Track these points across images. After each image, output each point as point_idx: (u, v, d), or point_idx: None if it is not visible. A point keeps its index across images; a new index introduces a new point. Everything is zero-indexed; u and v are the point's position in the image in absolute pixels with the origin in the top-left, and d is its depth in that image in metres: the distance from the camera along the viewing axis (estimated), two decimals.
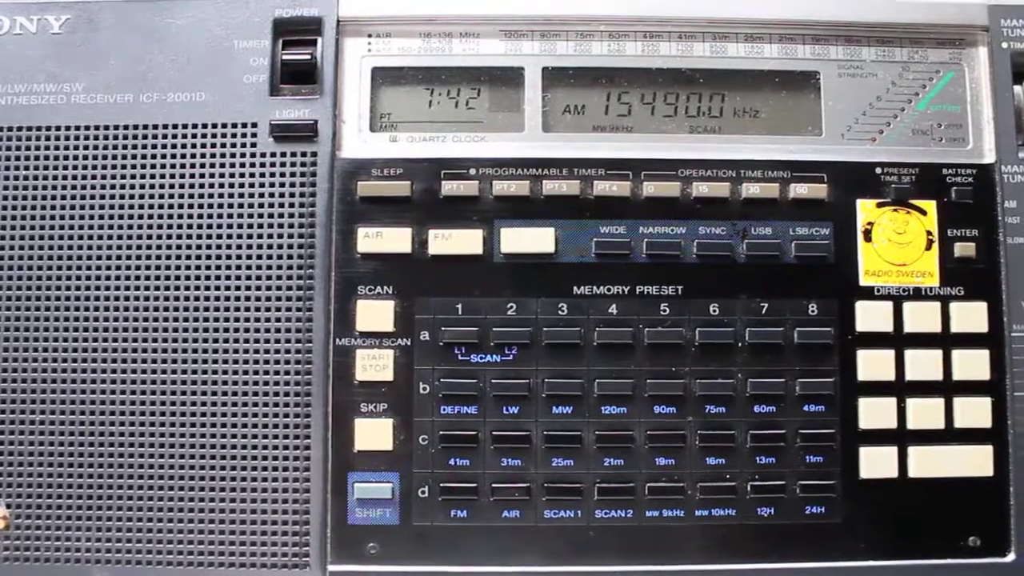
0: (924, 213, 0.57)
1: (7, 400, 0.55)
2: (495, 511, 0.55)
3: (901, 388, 0.56)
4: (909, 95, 0.59)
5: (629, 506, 0.55)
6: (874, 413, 0.56)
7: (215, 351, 0.55)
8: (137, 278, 0.55)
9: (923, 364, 0.56)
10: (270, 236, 0.56)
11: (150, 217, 0.56)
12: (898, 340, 0.57)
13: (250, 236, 0.55)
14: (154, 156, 0.56)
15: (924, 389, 0.56)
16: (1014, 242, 0.57)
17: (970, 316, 0.57)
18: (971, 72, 0.59)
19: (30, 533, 0.54)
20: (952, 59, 0.59)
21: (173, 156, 0.56)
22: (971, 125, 0.59)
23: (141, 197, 0.56)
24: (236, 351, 0.55)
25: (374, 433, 0.55)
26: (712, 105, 0.59)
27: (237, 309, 0.55)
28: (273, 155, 0.56)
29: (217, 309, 0.55)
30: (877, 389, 0.56)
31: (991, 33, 0.59)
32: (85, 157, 0.56)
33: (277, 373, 0.55)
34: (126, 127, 0.56)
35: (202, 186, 0.56)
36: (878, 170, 0.58)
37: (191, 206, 0.56)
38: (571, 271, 0.56)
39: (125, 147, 0.56)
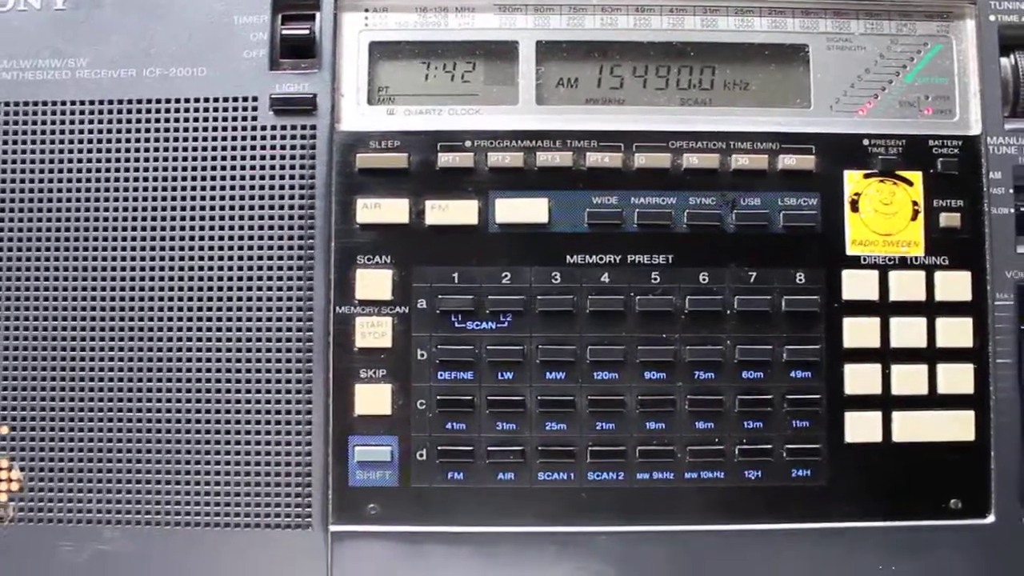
0: (910, 184, 0.58)
1: (19, 368, 0.57)
2: (491, 473, 0.57)
3: (886, 355, 0.57)
4: (897, 67, 0.60)
5: (620, 469, 0.57)
6: (859, 379, 0.57)
7: (219, 319, 0.56)
8: (143, 248, 0.57)
9: (908, 331, 0.57)
10: (271, 207, 0.57)
11: (154, 189, 0.57)
12: (883, 308, 0.58)
13: (251, 207, 0.57)
14: (157, 130, 0.57)
15: (908, 356, 0.57)
16: (998, 213, 0.58)
17: (954, 285, 0.58)
18: (958, 45, 0.60)
19: (43, 495, 0.56)
20: (940, 32, 0.60)
21: (176, 130, 0.57)
22: (958, 97, 0.60)
23: (145, 170, 0.57)
24: (239, 319, 0.56)
25: (373, 398, 0.57)
26: (703, 78, 0.60)
27: (240, 279, 0.56)
28: (273, 128, 0.57)
29: (220, 279, 0.56)
30: (862, 356, 0.57)
31: (979, 6, 0.60)
32: (90, 131, 0.57)
33: (279, 340, 0.56)
34: (130, 101, 0.58)
35: (204, 159, 0.57)
36: (865, 141, 0.59)
37: (194, 178, 0.57)
38: (564, 240, 0.58)
39: (129, 121, 0.57)
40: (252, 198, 0.57)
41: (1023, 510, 0.57)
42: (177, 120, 0.57)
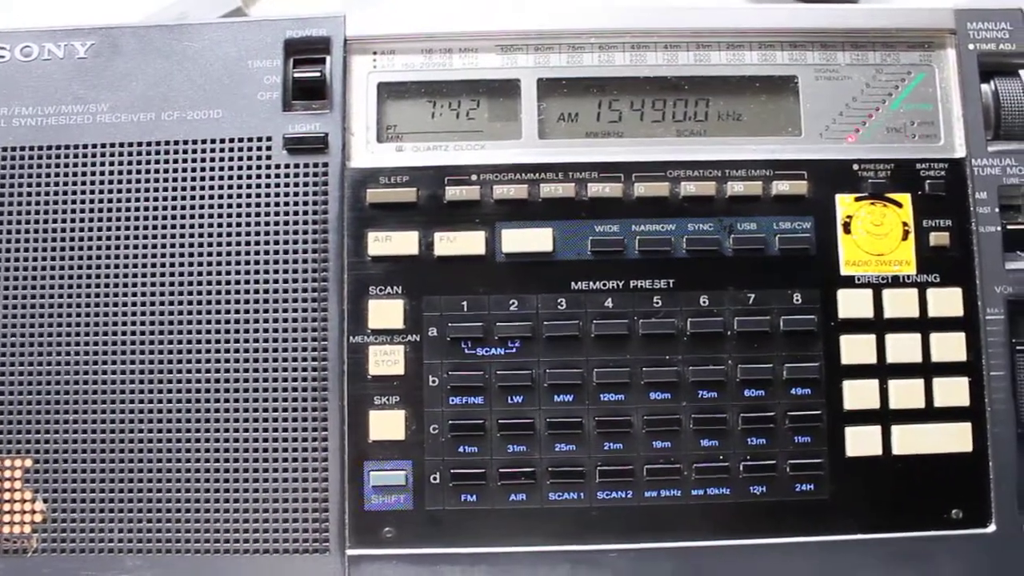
0: (900, 206, 0.60)
1: (43, 401, 0.58)
2: (503, 495, 0.58)
3: (883, 370, 0.59)
4: (883, 95, 0.62)
5: (629, 487, 0.58)
6: (858, 394, 0.59)
7: (237, 350, 0.58)
8: (163, 284, 0.58)
9: (903, 347, 0.59)
10: (286, 242, 0.59)
11: (173, 227, 0.59)
12: (879, 325, 0.59)
13: (267, 242, 0.59)
14: (176, 170, 0.59)
15: (905, 371, 0.59)
16: (985, 231, 0.60)
17: (946, 301, 0.59)
18: (940, 72, 0.62)
19: (66, 526, 0.57)
20: (922, 61, 0.63)
21: (194, 170, 0.59)
22: (942, 122, 0.62)
23: (164, 209, 0.59)
24: (257, 350, 0.58)
25: (387, 424, 0.58)
26: (697, 110, 0.62)
27: (257, 311, 0.58)
28: (287, 166, 0.60)
29: (238, 311, 0.58)
30: (860, 372, 0.59)
31: (958, 36, 0.62)
32: (111, 172, 0.59)
33: (295, 370, 0.58)
34: (149, 143, 0.60)
35: (221, 197, 0.59)
36: (855, 166, 0.61)
37: (212, 216, 0.59)
38: (569, 268, 0.59)
39: (148, 162, 0.60)
40: (268, 234, 0.59)
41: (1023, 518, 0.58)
42: (195, 160, 0.59)
